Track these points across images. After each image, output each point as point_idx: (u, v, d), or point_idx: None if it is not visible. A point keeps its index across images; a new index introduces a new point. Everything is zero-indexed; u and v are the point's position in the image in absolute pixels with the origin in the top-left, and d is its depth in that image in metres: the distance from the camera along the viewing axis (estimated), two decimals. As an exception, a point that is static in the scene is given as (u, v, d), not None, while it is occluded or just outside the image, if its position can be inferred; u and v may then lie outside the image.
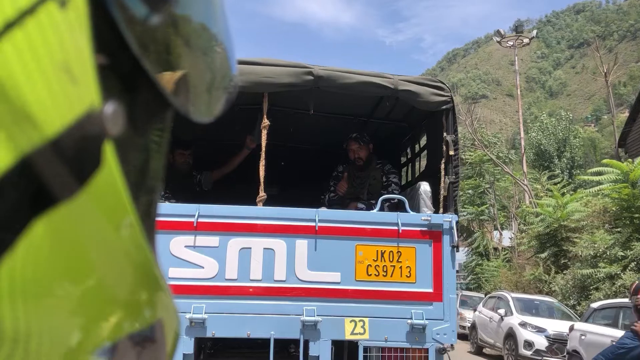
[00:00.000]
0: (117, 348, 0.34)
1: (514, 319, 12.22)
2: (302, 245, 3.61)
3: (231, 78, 0.46)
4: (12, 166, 0.26)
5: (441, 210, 3.95)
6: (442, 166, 4.03)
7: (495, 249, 25.11)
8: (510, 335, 12.08)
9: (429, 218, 3.74)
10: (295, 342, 3.62)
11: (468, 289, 24.90)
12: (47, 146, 0.27)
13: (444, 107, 4.02)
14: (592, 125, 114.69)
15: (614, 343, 3.33)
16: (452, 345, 12.67)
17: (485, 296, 17.29)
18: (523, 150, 26.37)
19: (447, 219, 3.74)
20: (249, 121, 4.41)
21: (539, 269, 17.14)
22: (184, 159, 4.97)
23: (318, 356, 3.49)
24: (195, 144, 5.03)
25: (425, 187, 4.17)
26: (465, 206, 26.12)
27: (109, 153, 0.31)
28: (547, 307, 13.06)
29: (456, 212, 3.91)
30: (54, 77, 0.28)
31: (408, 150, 5.49)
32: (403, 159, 5.68)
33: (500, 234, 25.87)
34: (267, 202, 3.92)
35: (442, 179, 4.00)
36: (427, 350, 3.57)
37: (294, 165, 5.49)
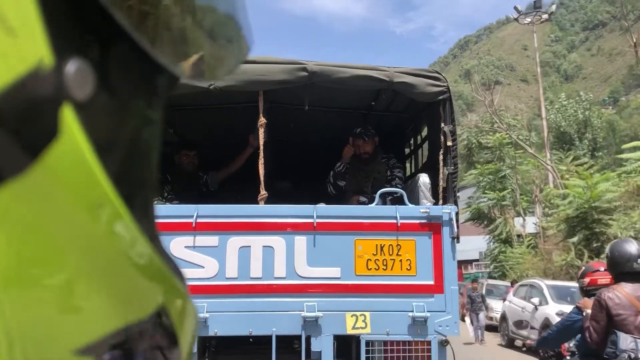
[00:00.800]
0: (110, 342, 0.30)
1: (550, 309, 11.20)
2: (301, 241, 3.62)
3: (243, 49, 0.41)
4: None
5: (440, 201, 3.93)
6: (441, 157, 4.00)
7: (519, 235, 24.16)
8: (547, 327, 10.87)
9: (428, 210, 3.72)
10: (300, 338, 3.63)
11: (491, 277, 24.07)
12: None
13: (440, 97, 3.99)
14: (610, 107, 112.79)
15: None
16: (482, 339, 12.33)
17: (511, 284, 16.55)
18: (546, 130, 25.32)
19: (447, 211, 3.72)
20: (252, 119, 4.43)
21: (571, 253, 16.20)
22: (189, 159, 5.01)
23: (320, 351, 3.51)
24: (200, 144, 5.06)
25: (424, 179, 4.15)
26: (486, 192, 25.32)
27: (70, 120, 0.26)
28: None
29: (456, 203, 3.88)
30: None
31: (411, 142, 5.46)
32: (407, 151, 5.65)
33: (524, 220, 24.77)
34: (280, 199, 3.93)
35: (441, 170, 3.97)
36: (429, 343, 3.56)
37: (304, 161, 5.49)
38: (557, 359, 3.86)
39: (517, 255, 22.50)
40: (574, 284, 12.88)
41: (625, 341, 2.95)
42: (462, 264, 42.40)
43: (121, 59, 0.32)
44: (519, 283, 15.10)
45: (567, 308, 11.07)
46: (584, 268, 3.93)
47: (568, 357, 3.63)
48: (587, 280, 3.73)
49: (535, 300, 12.05)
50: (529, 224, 24.82)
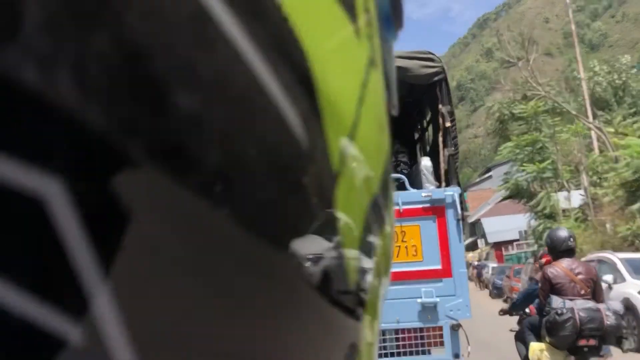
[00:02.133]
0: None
1: (630, 287, 8.99)
2: None
3: None
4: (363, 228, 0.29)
5: (443, 184, 3.85)
6: (440, 139, 3.92)
7: (564, 210, 22.35)
8: (629, 309, 8.47)
9: (430, 194, 3.64)
10: None
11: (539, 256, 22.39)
12: (376, 195, 0.30)
13: (435, 78, 3.91)
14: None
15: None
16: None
17: None
18: (586, 90, 23.46)
19: (449, 193, 3.64)
20: None
21: (637, 221, 14.34)
22: None
23: None
24: None
25: (426, 162, 4.08)
26: (524, 164, 23.24)
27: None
28: None
29: (459, 184, 3.81)
30: (377, 134, 0.31)
31: (419, 127, 5.39)
32: (416, 135, 5.58)
33: (569, 191, 22.80)
34: None
35: (441, 152, 3.90)
36: (441, 328, 3.50)
37: None
38: (526, 316, 4.91)
39: (566, 231, 21.15)
40: None
41: (555, 302, 3.97)
42: (502, 245, 40.93)
43: None
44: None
45: None
46: (542, 251, 5.31)
47: (535, 315, 4.58)
48: (544, 260, 4.92)
49: (609, 277, 9.46)
50: (574, 196, 22.89)
